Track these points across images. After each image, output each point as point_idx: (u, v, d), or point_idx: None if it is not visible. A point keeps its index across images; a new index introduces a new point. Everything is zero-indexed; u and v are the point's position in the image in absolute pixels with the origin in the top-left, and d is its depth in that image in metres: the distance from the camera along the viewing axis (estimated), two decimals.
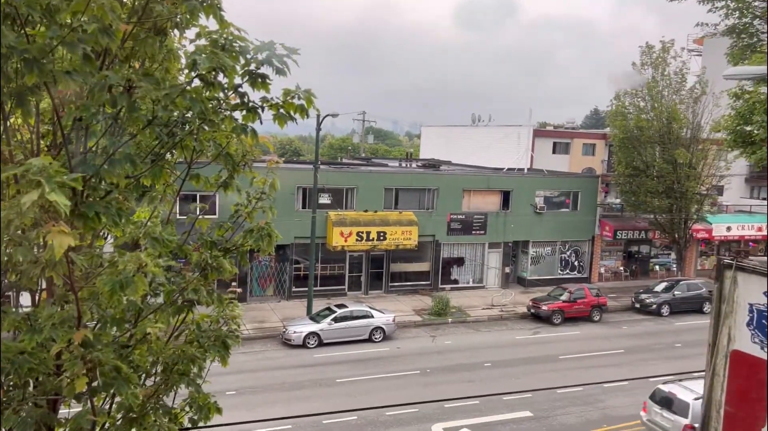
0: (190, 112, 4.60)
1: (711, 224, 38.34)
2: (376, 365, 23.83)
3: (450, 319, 29.84)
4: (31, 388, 4.78)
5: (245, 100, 4.84)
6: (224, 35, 4.56)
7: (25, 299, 5.39)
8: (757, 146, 22.21)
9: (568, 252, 38.11)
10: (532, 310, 30.80)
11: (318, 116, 28.23)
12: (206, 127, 4.88)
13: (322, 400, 20.19)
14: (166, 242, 4.74)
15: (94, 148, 4.55)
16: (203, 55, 4.32)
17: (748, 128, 22.00)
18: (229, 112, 4.85)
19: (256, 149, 5.58)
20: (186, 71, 4.69)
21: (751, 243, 41.61)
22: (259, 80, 4.70)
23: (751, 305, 5.93)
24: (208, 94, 4.58)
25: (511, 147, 41.04)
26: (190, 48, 4.59)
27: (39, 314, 4.46)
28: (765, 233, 40.00)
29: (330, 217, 31.17)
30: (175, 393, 5.69)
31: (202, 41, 4.57)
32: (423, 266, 34.83)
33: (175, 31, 5.07)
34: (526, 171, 38.96)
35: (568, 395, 20.84)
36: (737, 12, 21.77)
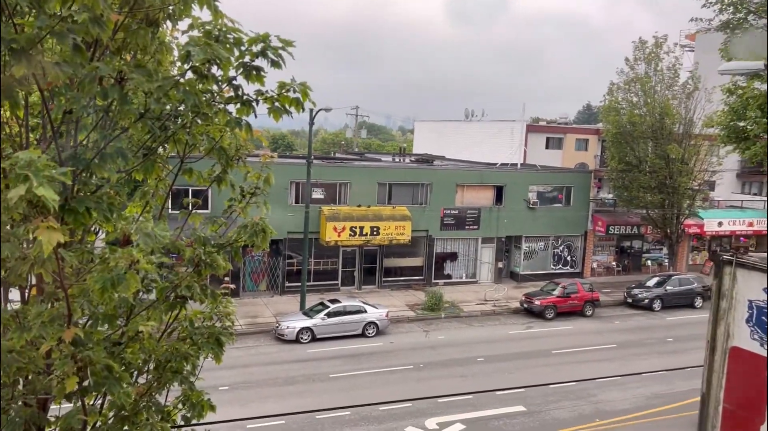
0: (183, 105, 4.50)
1: (703, 219, 38.52)
2: (370, 360, 23.81)
3: (443, 314, 29.85)
4: (20, 387, 4.68)
5: (239, 92, 4.75)
6: (218, 26, 4.46)
7: (14, 295, 5.29)
8: (750, 142, 22.26)
9: (560, 248, 38.20)
10: (525, 305, 30.85)
11: (311, 111, 28.13)
12: (199, 121, 4.79)
13: (315, 395, 20.15)
14: (159, 238, 4.64)
15: (84, 142, 4.45)
16: (197, 47, 4.22)
17: (742, 124, 22.04)
18: (222, 105, 4.76)
19: (250, 143, 5.49)
20: (178, 64, 4.60)
21: (742, 239, 41.85)
22: (254, 73, 4.61)
23: (750, 301, 5.89)
24: (201, 86, 4.49)
25: (504, 142, 41.05)
26: (183, 40, 4.49)
27: (28, 311, 4.36)
28: (756, 228, 40.23)
29: (323, 212, 31.08)
30: (168, 391, 5.61)
31: (195, 33, 4.47)
32: (416, 261, 34.81)
33: (168, 22, 4.96)
34: (519, 166, 38.97)
35: (560, 389, 20.88)
36: (731, 7, 21.77)
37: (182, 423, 5.75)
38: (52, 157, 3.65)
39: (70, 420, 4.65)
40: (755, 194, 45.91)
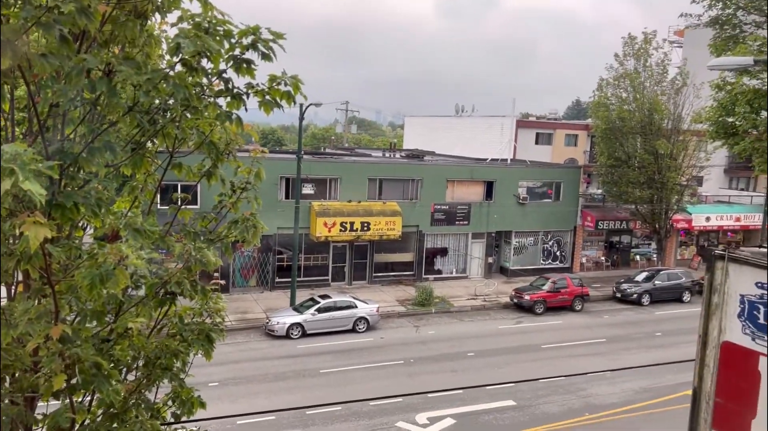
0: (173, 99, 4.43)
1: (691, 214, 38.78)
2: (360, 355, 23.80)
3: (433, 309, 29.88)
4: (6, 385, 4.60)
5: (230, 86, 4.68)
6: (208, 18, 4.39)
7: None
8: (739, 137, 22.40)
9: (550, 243, 38.33)
10: (515, 300, 30.94)
11: (301, 106, 27.99)
12: (189, 114, 4.72)
13: (305, 391, 20.11)
14: (148, 233, 4.57)
15: (71, 136, 4.38)
16: (187, 39, 4.15)
17: (731, 119, 22.17)
18: (213, 99, 4.69)
19: (240, 138, 5.42)
20: (167, 57, 4.52)
21: (729, 233, 42.19)
22: (245, 65, 4.54)
23: (742, 296, 5.92)
24: (191, 79, 4.41)
25: (494, 137, 41.10)
26: (172, 33, 4.42)
27: (14, 308, 4.28)
28: (743, 223, 40.55)
29: (313, 208, 30.98)
30: (157, 388, 5.55)
31: (185, 25, 4.40)
32: (407, 256, 34.80)
33: (157, 15, 4.88)
34: (509, 161, 39.04)
35: (550, 384, 20.97)
36: (720, 3, 21.89)
37: (172, 420, 5.69)
38: (38, 151, 3.57)
39: (58, 419, 4.58)
40: (742, 189, 46.28)
